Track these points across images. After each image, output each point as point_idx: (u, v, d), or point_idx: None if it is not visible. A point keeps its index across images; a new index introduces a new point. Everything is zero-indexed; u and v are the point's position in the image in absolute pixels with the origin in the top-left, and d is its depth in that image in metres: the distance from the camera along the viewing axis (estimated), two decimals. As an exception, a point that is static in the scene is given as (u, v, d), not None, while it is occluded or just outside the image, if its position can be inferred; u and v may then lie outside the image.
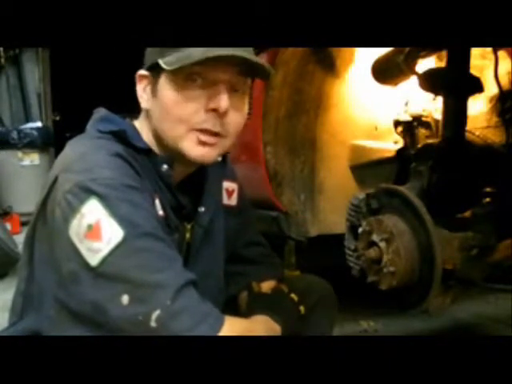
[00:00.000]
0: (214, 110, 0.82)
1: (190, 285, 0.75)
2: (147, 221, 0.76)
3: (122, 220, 0.73)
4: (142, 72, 0.87)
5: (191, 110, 0.82)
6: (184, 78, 0.81)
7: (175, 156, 0.87)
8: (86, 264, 0.73)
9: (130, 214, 0.75)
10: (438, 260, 1.04)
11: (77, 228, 0.74)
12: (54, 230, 0.78)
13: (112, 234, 0.73)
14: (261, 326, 0.87)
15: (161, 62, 0.80)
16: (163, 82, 0.83)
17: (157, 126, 0.86)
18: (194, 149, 0.84)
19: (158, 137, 0.88)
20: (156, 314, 0.71)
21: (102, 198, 0.74)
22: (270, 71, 0.85)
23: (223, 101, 0.81)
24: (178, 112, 0.82)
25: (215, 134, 0.84)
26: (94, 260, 0.73)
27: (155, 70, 0.84)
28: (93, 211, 0.73)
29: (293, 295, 0.98)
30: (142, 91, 0.88)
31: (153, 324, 0.71)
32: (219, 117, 0.83)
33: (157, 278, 0.73)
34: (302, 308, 0.97)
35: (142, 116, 0.91)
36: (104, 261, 0.72)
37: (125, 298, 0.71)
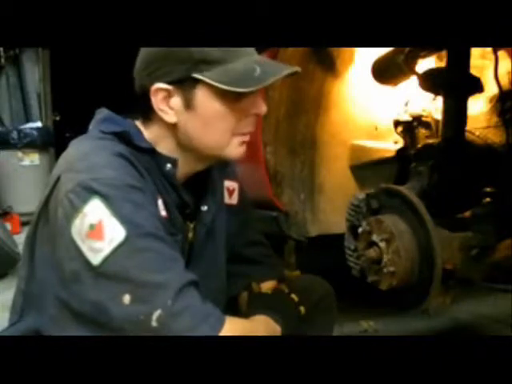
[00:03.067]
0: (255, 114, 0.87)
1: (191, 285, 0.75)
2: (149, 221, 0.76)
3: (124, 220, 0.73)
4: (162, 86, 0.83)
5: (238, 119, 0.85)
6: (230, 91, 0.80)
7: (211, 158, 0.90)
8: (87, 263, 0.73)
9: (132, 214, 0.75)
10: (438, 260, 1.04)
11: (79, 227, 0.74)
12: (56, 230, 0.78)
13: (114, 233, 0.73)
14: (261, 326, 0.87)
15: (212, 81, 0.80)
16: (204, 95, 0.82)
17: (193, 138, 0.86)
18: (237, 150, 0.88)
19: (188, 147, 0.87)
20: (157, 313, 0.71)
21: (105, 198, 0.74)
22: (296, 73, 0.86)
23: (264, 106, 0.87)
24: (226, 123, 0.85)
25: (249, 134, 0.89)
26: (95, 259, 0.73)
27: (184, 83, 0.82)
28: (95, 211, 0.74)
29: (293, 295, 0.99)
30: (163, 104, 0.84)
31: (154, 324, 0.71)
32: (255, 118, 0.88)
33: (158, 279, 0.73)
34: (302, 308, 0.97)
35: (157, 125, 0.88)
36: (105, 260, 0.72)
37: (126, 298, 0.71)
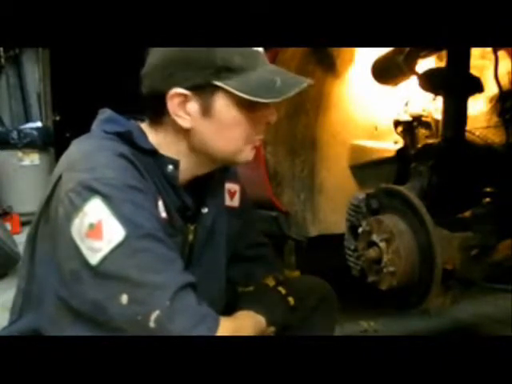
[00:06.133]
0: (268, 123, 0.89)
1: (188, 287, 0.76)
2: (149, 222, 0.76)
3: (123, 220, 0.74)
4: (181, 91, 0.82)
5: (254, 128, 0.87)
6: (249, 100, 0.81)
7: (220, 163, 0.92)
8: (86, 263, 0.73)
9: (132, 215, 0.75)
10: (438, 260, 1.04)
11: (78, 227, 0.74)
12: (56, 229, 0.78)
13: (113, 233, 0.73)
14: (246, 321, 0.87)
15: (235, 90, 0.80)
16: (223, 103, 0.83)
17: (207, 144, 0.86)
18: (249, 155, 0.91)
19: (200, 152, 0.88)
20: (155, 314, 0.71)
21: (105, 198, 0.74)
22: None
23: (275, 115, 0.88)
24: (242, 131, 0.86)
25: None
26: (94, 259, 0.73)
27: (203, 89, 0.82)
28: (95, 210, 0.74)
29: (280, 288, 0.99)
30: (180, 109, 0.83)
31: (152, 324, 0.71)
32: (266, 126, 0.90)
33: (156, 279, 0.73)
34: (290, 299, 0.98)
35: (167, 129, 0.88)
36: (104, 260, 0.72)
37: (124, 298, 0.72)
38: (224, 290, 1.02)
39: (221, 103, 0.83)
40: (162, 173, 0.87)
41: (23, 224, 3.46)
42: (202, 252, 0.95)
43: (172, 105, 0.83)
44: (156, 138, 0.88)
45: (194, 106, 0.83)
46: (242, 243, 1.08)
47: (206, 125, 0.84)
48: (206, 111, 0.83)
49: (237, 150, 0.88)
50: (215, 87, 0.81)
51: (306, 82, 0.85)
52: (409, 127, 1.58)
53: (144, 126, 0.90)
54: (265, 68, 0.85)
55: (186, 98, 0.83)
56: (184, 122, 0.84)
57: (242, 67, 0.81)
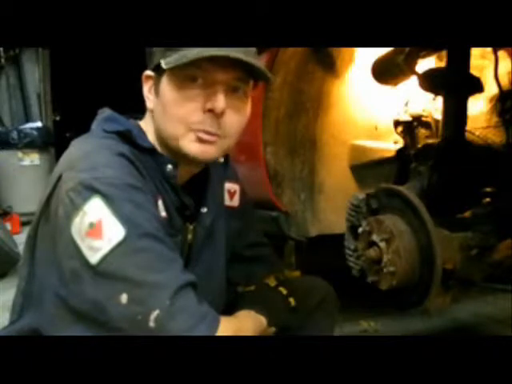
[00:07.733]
0: (211, 111, 0.82)
1: (188, 286, 0.75)
2: (149, 221, 0.76)
3: (124, 219, 0.74)
4: (148, 73, 0.88)
5: (189, 110, 0.83)
6: (183, 77, 0.82)
7: (177, 155, 0.87)
8: (86, 262, 0.73)
9: (133, 214, 0.75)
10: (438, 260, 1.04)
11: (79, 226, 0.74)
12: (56, 228, 0.78)
13: (113, 232, 0.73)
14: (246, 321, 0.87)
15: (162, 62, 0.81)
16: (165, 82, 0.84)
17: (158, 125, 0.87)
18: (193, 146, 0.84)
19: (160, 136, 0.88)
20: (155, 314, 0.71)
21: (106, 197, 0.74)
22: (267, 74, 0.84)
23: (219, 102, 0.81)
24: (177, 111, 0.83)
25: (213, 134, 0.84)
26: (94, 258, 0.73)
27: (159, 71, 0.85)
28: (95, 209, 0.74)
29: (281, 288, 0.99)
30: (148, 91, 0.89)
31: (151, 324, 0.71)
32: (216, 117, 0.83)
33: (156, 278, 0.73)
34: (291, 300, 0.98)
35: (148, 116, 0.91)
36: (104, 259, 0.72)
37: (124, 297, 0.72)
38: (224, 289, 1.02)
39: (164, 83, 0.85)
40: (162, 172, 0.87)
41: (23, 224, 3.46)
42: (201, 252, 0.95)
43: (144, 87, 0.89)
44: (152, 132, 0.89)
45: (153, 87, 0.88)
46: (241, 243, 1.08)
47: (156, 105, 0.87)
48: (157, 91, 0.86)
49: (176, 134, 0.84)
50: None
51: (218, 52, 0.78)
52: (409, 127, 1.58)
53: (142, 123, 0.91)
54: (214, 48, 0.79)
55: (153, 81, 0.87)
56: (148, 102, 0.89)
57: (184, 46, 0.80)
